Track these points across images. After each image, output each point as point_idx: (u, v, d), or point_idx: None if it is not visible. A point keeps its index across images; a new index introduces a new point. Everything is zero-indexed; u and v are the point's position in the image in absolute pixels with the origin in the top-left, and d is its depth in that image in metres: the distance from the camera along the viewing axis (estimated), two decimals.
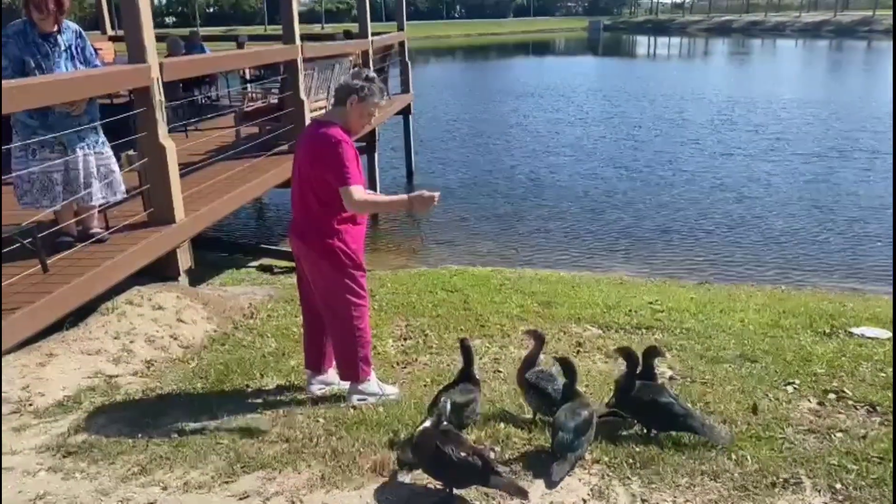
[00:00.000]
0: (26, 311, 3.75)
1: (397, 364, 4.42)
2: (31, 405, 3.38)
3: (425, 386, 3.84)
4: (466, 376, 3.07)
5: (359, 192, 3.20)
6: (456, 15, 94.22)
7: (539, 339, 3.45)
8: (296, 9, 7.46)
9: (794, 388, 3.82)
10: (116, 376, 3.78)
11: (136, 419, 3.21)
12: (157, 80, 5.01)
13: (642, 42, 68.39)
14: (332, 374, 3.68)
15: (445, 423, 2.55)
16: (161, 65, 5.06)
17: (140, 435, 3.02)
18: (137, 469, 2.72)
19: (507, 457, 2.89)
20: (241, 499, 2.50)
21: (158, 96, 5.04)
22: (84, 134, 4.65)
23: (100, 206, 4.82)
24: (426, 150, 15.68)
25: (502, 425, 3.17)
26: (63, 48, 4.53)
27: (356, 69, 3.43)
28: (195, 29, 12.91)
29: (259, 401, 3.48)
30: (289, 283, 7.20)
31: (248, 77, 11.39)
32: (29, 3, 4.39)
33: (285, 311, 5.59)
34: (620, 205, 11.14)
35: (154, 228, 5.12)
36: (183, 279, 5.45)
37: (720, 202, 11.15)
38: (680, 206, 11.02)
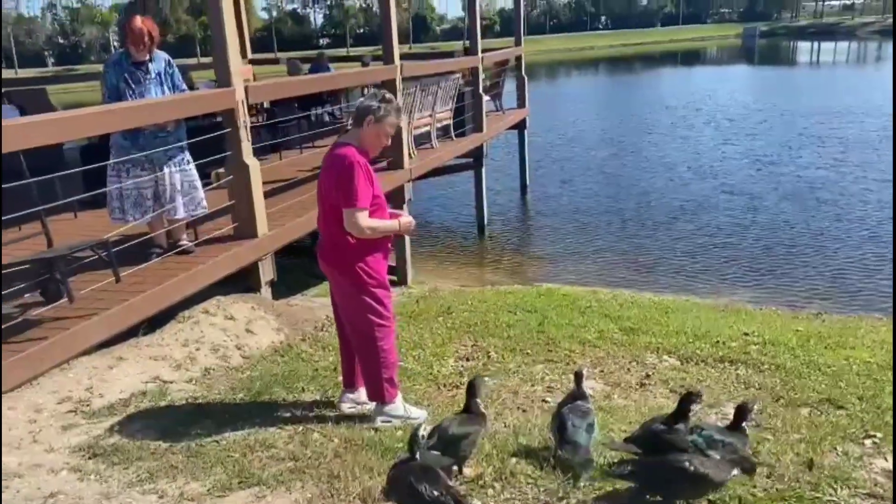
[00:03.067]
0: (101, 317, 4.09)
1: (446, 385, 4.35)
2: (87, 406, 3.65)
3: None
4: (468, 409, 2.95)
5: (361, 216, 3.21)
6: (600, 26, 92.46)
7: (577, 378, 3.27)
8: (395, 28, 7.62)
9: (874, 443, 3.34)
10: (171, 382, 4.01)
11: (167, 426, 3.38)
12: (242, 102, 5.29)
13: (804, 48, 63.74)
14: (363, 392, 3.68)
15: (420, 454, 2.46)
16: (246, 88, 5.35)
17: (162, 442, 3.18)
18: (146, 476, 2.86)
19: (506, 496, 2.75)
20: None
21: (243, 118, 5.32)
22: (172, 153, 5.01)
23: (183, 219, 5.16)
24: (545, 165, 15.47)
25: (514, 460, 3.02)
26: (153, 75, 4.92)
27: (373, 91, 3.44)
28: (322, 51, 13.56)
29: (287, 415, 3.55)
30: None
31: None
32: (126, 36, 4.82)
33: None
34: (742, 229, 10.31)
35: (237, 242, 5.41)
36: (265, 290, 5.70)
37: (865, 230, 10.01)
38: (817, 235, 9.98)
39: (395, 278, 8.43)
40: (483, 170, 10.85)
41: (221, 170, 5.58)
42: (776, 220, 10.62)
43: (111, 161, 4.95)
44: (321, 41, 66.95)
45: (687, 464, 2.55)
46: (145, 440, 3.20)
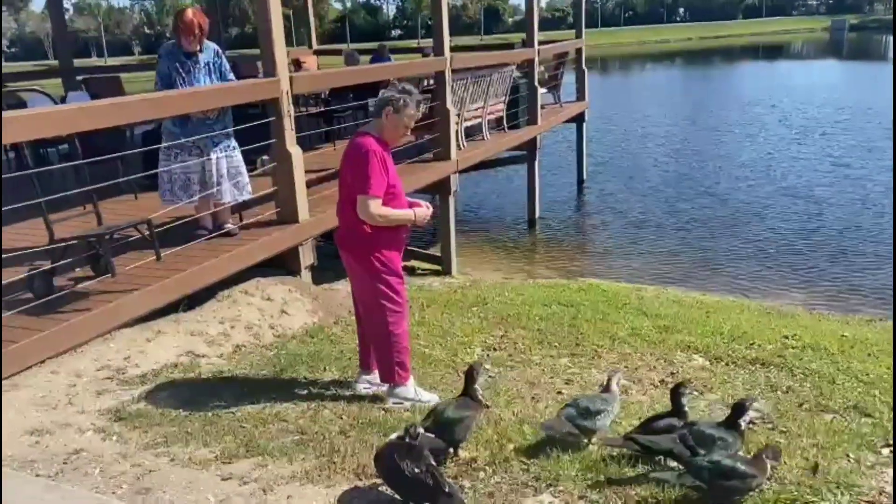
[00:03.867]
0: (142, 292, 4.35)
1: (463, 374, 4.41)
2: (123, 374, 3.91)
3: None
4: (466, 394, 3.02)
5: (374, 204, 3.30)
6: (678, 18, 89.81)
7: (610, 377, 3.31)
8: (446, 21, 7.70)
9: (893, 452, 3.23)
10: (203, 356, 4.23)
11: (191, 396, 3.58)
12: (287, 92, 5.48)
13: None
14: (378, 374, 3.80)
15: (414, 440, 2.54)
16: (291, 79, 5.53)
17: (182, 410, 3.38)
18: (161, 440, 3.06)
19: (496, 479, 2.81)
20: (223, 479, 2.71)
21: (287, 107, 5.52)
22: (218, 139, 5.24)
23: (228, 203, 5.39)
24: (606, 160, 15.25)
25: (511, 447, 3.07)
26: (202, 65, 5.16)
27: (395, 82, 3.50)
28: (383, 43, 13.76)
29: (304, 392, 3.70)
30: (423, 284, 7.49)
31: (426, 86, 11.89)
32: (177, 28, 5.07)
33: None
34: (808, 233, 9.88)
35: (278, 227, 5.61)
36: (304, 274, 5.89)
37: None
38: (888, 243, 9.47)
39: (438, 268, 8.56)
40: (536, 163, 10.82)
41: (266, 157, 5.80)
42: (846, 224, 10.16)
43: (162, 145, 5.23)
44: (393, 32, 67.65)
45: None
46: (167, 408, 3.41)
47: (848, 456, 3.16)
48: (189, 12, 5.09)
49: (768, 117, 20.36)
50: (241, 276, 5.36)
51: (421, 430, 2.61)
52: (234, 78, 5.40)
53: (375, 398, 3.66)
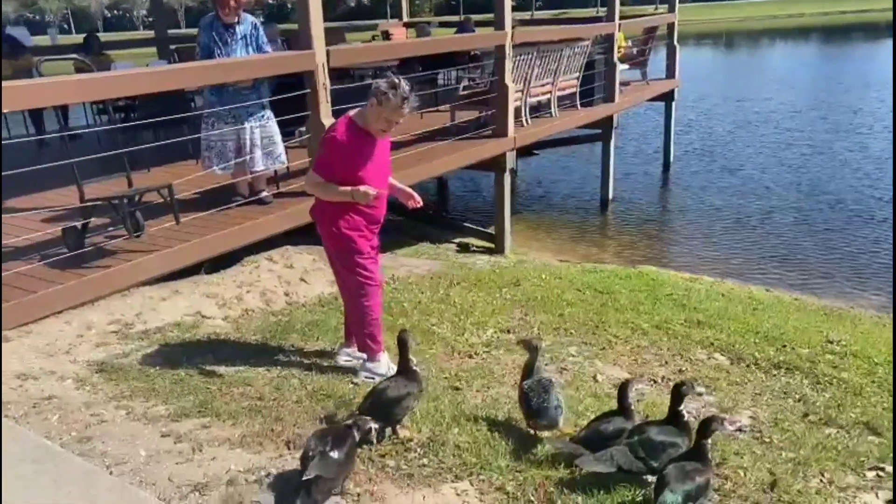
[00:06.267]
0: (161, 254, 4.60)
1: (461, 353, 4.38)
2: (130, 329, 4.16)
3: (446, 378, 3.79)
4: (404, 370, 3.00)
5: (313, 176, 3.36)
6: None
7: (531, 349, 3.19)
8: None
9: (877, 475, 2.94)
10: (209, 318, 4.43)
11: (175, 355, 3.76)
12: (323, 65, 5.56)
13: None
14: None
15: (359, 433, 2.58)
16: (328, 52, 5.61)
17: (159, 367, 3.56)
18: (128, 394, 3.24)
19: (423, 462, 2.78)
20: (162, 436, 2.84)
21: (323, 80, 5.60)
22: (253, 109, 5.41)
23: (261, 171, 5.57)
24: (699, 144, 14.43)
25: (456, 430, 3.03)
26: (240, 36, 5.32)
27: (389, 76, 3.40)
28: (469, 15, 13.61)
29: (284, 359, 3.80)
30: (467, 262, 7.45)
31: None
32: (216, 1, 5.25)
33: (422, 287, 5.81)
34: None
35: (310, 197, 5.74)
36: None
37: None
38: None
39: (492, 246, 8.47)
40: (611, 142, 10.42)
41: (303, 128, 5.93)
42: None
43: (204, 112, 5.47)
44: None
45: None
46: (148, 364, 3.61)
47: (822, 475, 2.90)
48: None
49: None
50: (273, 242, 5.56)
51: (372, 425, 2.64)
52: (269, 50, 5.54)
53: (348, 371, 3.70)
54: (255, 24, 5.43)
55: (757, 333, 5.09)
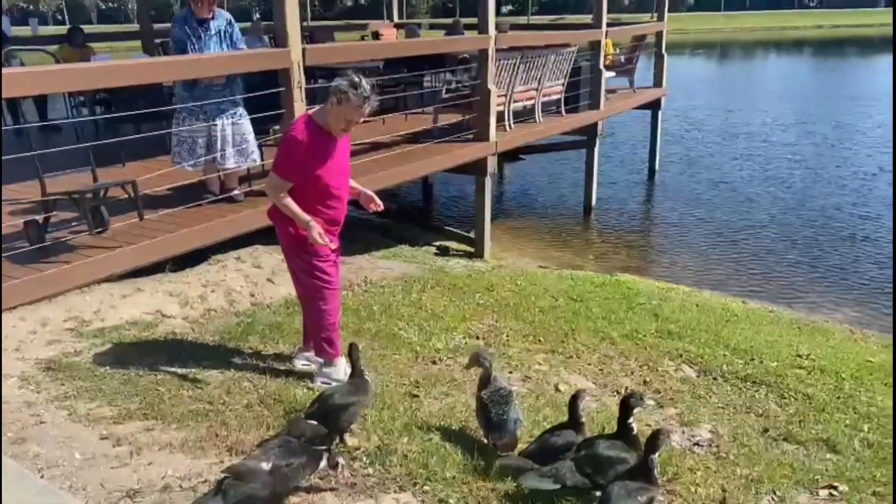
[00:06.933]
0: (124, 250, 4.51)
1: (425, 358, 4.32)
2: (86, 326, 4.08)
3: (405, 385, 3.73)
4: (353, 377, 2.94)
5: (273, 177, 3.27)
6: (812, 3, 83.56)
7: (479, 364, 3.14)
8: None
9: (830, 495, 2.90)
10: (169, 317, 4.35)
11: (129, 355, 3.69)
12: (298, 63, 5.49)
13: None
14: None
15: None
16: (303, 50, 5.54)
17: (109, 367, 3.49)
18: (73, 394, 3.17)
19: (368, 472, 2.72)
20: (101, 438, 2.78)
21: (298, 78, 5.53)
22: (225, 106, 5.33)
23: (231, 169, 5.49)
24: (686, 153, 14.39)
25: (406, 440, 2.97)
26: (213, 32, 5.24)
27: (349, 75, 3.31)
28: (457, 18, 13.57)
29: (240, 362, 3.73)
30: (444, 266, 7.38)
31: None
32: None
33: (394, 290, 5.75)
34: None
35: None
36: None
37: None
38: None
39: (472, 250, 8.41)
40: (596, 149, 10.39)
41: (277, 126, 5.86)
42: None
43: (176, 107, 5.39)
44: (503, 8, 66.76)
45: None
46: (98, 364, 3.53)
47: (774, 493, 2.86)
48: None
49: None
50: (243, 241, 5.47)
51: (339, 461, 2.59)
52: (244, 47, 5.47)
53: (304, 376, 3.64)
54: (230, 19, 5.35)
55: (727, 346, 5.06)
